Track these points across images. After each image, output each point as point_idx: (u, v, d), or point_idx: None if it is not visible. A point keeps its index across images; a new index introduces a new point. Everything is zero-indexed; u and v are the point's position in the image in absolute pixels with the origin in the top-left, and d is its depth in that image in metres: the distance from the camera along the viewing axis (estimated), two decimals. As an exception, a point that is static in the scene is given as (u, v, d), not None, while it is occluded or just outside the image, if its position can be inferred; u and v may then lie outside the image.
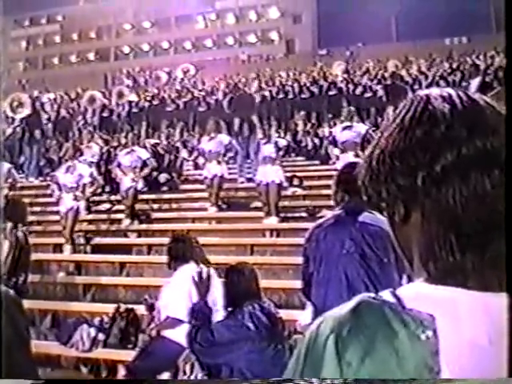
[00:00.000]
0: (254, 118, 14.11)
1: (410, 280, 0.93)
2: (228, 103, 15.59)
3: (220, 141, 11.52)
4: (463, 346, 0.82)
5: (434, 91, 0.95)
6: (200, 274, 4.40)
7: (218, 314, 5.06)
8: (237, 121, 14.02)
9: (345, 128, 10.87)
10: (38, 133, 15.88)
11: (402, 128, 0.92)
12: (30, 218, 10.32)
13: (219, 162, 11.28)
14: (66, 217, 10.18)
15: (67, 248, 10.17)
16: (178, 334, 5.32)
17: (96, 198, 12.22)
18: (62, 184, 10.33)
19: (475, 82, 14.60)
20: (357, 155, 9.79)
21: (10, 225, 6.30)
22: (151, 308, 5.63)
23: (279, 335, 4.23)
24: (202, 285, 4.35)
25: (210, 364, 4.19)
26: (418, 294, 0.87)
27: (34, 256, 8.96)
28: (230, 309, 4.31)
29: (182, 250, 5.68)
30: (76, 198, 10.12)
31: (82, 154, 12.04)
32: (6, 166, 11.80)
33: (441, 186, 0.87)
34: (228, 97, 16.44)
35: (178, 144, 15.33)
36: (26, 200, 10.41)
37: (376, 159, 0.93)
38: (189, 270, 5.48)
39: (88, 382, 7.07)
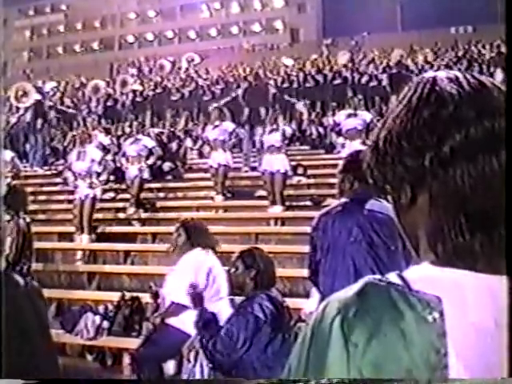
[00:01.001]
0: (261, 107, 14.03)
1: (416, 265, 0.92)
2: (243, 93, 15.45)
3: (224, 128, 11.48)
4: (469, 328, 0.82)
5: (441, 73, 0.94)
6: (192, 286, 4.46)
7: (222, 302, 5.09)
8: (244, 110, 13.94)
9: (349, 115, 10.81)
10: (42, 122, 15.86)
11: (409, 109, 0.91)
12: (35, 206, 10.37)
13: (224, 151, 11.25)
14: (81, 205, 9.96)
15: (85, 238, 9.98)
16: (183, 322, 5.33)
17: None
18: (75, 171, 10.15)
19: (500, 71, 14.56)
20: (363, 143, 9.75)
21: (11, 213, 6.30)
22: (156, 296, 5.63)
23: (286, 324, 4.22)
24: (198, 296, 4.38)
25: (228, 367, 4.14)
26: (424, 276, 0.87)
27: (42, 245, 9.05)
28: (236, 298, 4.29)
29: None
30: (91, 186, 9.96)
31: (90, 143, 11.97)
32: (9, 154, 11.77)
33: (448, 167, 0.86)
34: (244, 86, 16.26)
35: (182, 133, 15.32)
36: (31, 189, 10.44)
37: (383, 140, 0.92)
38: (194, 256, 5.49)
39: (86, 381, 7.05)
